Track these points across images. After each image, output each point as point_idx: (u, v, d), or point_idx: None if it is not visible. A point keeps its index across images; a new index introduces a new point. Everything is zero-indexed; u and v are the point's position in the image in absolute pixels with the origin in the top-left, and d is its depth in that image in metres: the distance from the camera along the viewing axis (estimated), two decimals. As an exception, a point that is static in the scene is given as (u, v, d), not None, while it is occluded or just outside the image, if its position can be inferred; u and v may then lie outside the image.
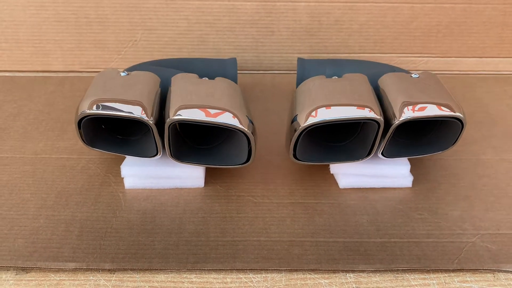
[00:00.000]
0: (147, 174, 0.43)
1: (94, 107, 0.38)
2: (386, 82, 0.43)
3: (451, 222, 0.41)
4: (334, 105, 0.37)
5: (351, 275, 0.36)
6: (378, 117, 0.37)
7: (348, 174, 0.44)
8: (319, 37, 0.63)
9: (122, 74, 0.43)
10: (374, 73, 0.50)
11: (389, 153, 0.41)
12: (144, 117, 0.37)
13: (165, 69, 0.50)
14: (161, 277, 0.36)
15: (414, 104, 0.38)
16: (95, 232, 0.39)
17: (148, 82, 0.41)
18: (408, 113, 0.37)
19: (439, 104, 0.38)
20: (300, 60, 0.56)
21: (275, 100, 0.59)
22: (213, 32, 0.62)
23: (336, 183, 0.45)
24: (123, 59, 0.63)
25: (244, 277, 0.36)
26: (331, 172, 0.44)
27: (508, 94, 0.60)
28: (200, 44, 0.63)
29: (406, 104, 0.38)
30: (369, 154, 0.40)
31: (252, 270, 0.36)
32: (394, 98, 0.39)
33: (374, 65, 0.55)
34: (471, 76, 0.64)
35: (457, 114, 0.38)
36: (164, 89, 0.45)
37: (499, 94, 0.60)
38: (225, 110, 0.37)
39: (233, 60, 0.56)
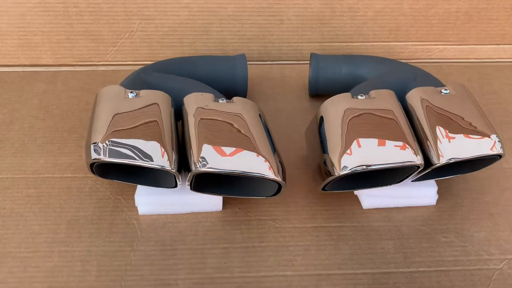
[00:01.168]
0: (163, 202, 0.41)
1: (108, 152, 0.34)
2: (415, 102, 0.40)
3: (477, 245, 0.40)
4: (372, 147, 0.35)
5: (382, 311, 0.36)
6: (420, 162, 0.35)
7: (372, 195, 0.42)
8: (331, 25, 0.58)
9: (130, 95, 0.39)
10: (397, 79, 0.47)
11: (418, 179, 0.39)
12: (167, 166, 0.34)
13: (174, 79, 0.46)
14: (189, 321, 0.35)
15: (454, 140, 0.36)
16: (114, 271, 0.37)
17: (161, 108, 0.38)
18: (450, 154, 0.35)
19: (480, 137, 0.36)
20: (314, 56, 0.53)
21: (286, 98, 0.56)
22: (217, 21, 0.57)
23: (358, 202, 0.43)
24: (119, 51, 0.58)
25: (274, 318, 0.35)
26: (354, 193, 0.43)
27: (526, 86, 0.58)
28: (202, 34, 0.58)
29: (445, 140, 0.36)
30: (399, 182, 0.38)
31: (281, 310, 0.35)
32: (430, 132, 0.36)
33: (393, 64, 0.51)
34: (487, 65, 0.62)
35: (500, 151, 0.36)
36: (176, 107, 0.41)
37: (516, 86, 0.58)
38: (254, 153, 0.34)
39: (242, 57, 0.52)
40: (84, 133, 0.49)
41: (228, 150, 0.34)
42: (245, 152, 0.34)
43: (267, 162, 0.34)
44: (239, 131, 0.36)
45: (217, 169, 0.34)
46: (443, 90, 0.41)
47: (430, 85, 0.44)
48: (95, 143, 0.35)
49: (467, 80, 0.59)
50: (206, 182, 0.38)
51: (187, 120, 0.37)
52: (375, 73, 0.51)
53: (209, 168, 0.34)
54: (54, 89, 0.56)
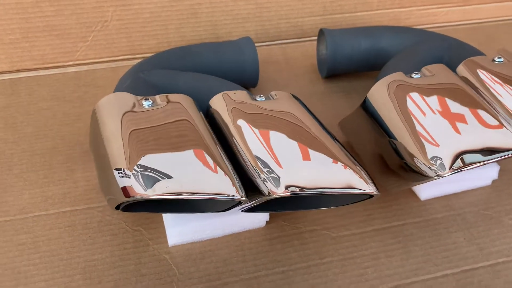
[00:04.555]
0: (200, 229, 0.34)
1: (149, 187, 0.26)
2: (472, 74, 0.35)
3: (548, 223, 0.37)
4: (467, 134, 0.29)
5: (476, 317, 0.31)
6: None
7: (430, 184, 0.37)
8: (333, -5, 0.52)
9: (145, 104, 0.31)
10: (430, 49, 0.42)
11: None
12: (238, 195, 0.26)
13: (182, 75, 0.38)
14: None
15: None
16: (158, 325, 0.30)
17: (193, 117, 0.30)
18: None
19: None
20: (328, 33, 0.46)
21: (297, 83, 0.49)
22: (207, 0, 0.49)
23: (413, 193, 0.39)
24: (91, 47, 0.48)
25: None
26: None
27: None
28: (190, 17, 0.49)
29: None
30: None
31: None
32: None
33: (413, 33, 0.46)
34: (491, 25, 0.59)
35: None
36: (202, 109, 0.34)
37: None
38: (340, 163, 0.27)
39: (248, 40, 0.45)
40: (72, 152, 0.41)
41: (313, 177, 0.28)
42: (326, 163, 0.28)
43: (355, 174, 0.28)
44: (302, 133, 0.29)
45: (305, 190, 0.27)
46: (496, 59, 0.37)
47: (466, 53, 0.40)
48: (121, 172, 0.27)
49: (477, 43, 0.56)
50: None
51: (230, 132, 0.30)
52: (397, 45, 0.45)
53: (293, 191, 0.27)
54: (17, 101, 0.45)
